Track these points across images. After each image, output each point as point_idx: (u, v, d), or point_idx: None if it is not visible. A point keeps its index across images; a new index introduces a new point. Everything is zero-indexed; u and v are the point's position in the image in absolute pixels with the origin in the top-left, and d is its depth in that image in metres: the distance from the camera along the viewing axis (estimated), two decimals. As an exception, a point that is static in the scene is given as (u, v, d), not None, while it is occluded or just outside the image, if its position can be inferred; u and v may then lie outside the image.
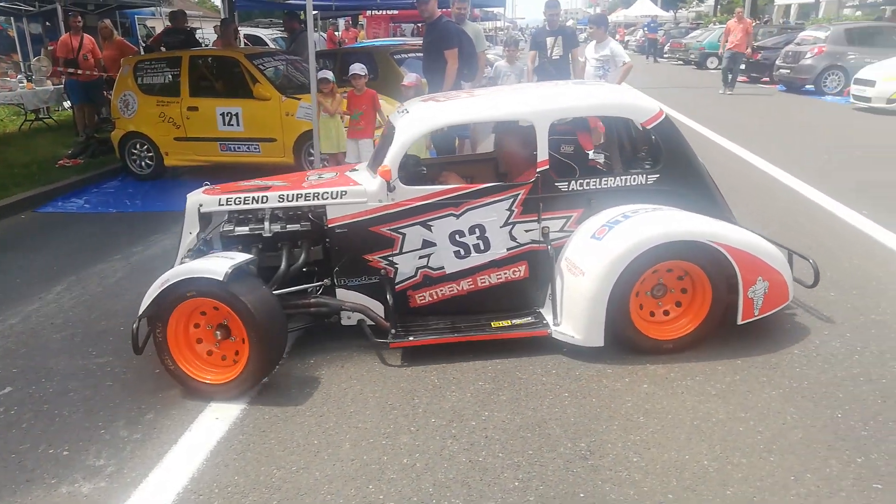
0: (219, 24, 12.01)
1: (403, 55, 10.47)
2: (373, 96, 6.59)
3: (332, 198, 3.58)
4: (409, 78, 6.61)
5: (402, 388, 3.26)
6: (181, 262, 3.59)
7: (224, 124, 7.63)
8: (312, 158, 6.57)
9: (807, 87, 15.04)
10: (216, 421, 3.03)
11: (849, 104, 12.43)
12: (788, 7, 38.40)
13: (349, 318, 3.67)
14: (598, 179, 3.61)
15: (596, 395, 3.12)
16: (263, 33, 20.63)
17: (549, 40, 7.67)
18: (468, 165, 4.65)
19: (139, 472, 2.71)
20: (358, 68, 6.42)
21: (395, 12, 19.16)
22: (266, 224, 3.61)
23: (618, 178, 3.63)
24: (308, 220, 3.66)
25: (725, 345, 3.46)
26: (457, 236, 3.59)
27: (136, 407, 3.18)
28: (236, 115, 7.59)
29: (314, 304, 3.58)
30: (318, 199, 3.60)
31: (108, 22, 10.82)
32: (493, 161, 4.63)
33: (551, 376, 3.31)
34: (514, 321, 3.59)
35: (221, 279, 3.03)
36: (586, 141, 4.13)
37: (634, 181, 3.63)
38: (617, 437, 2.80)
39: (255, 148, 7.67)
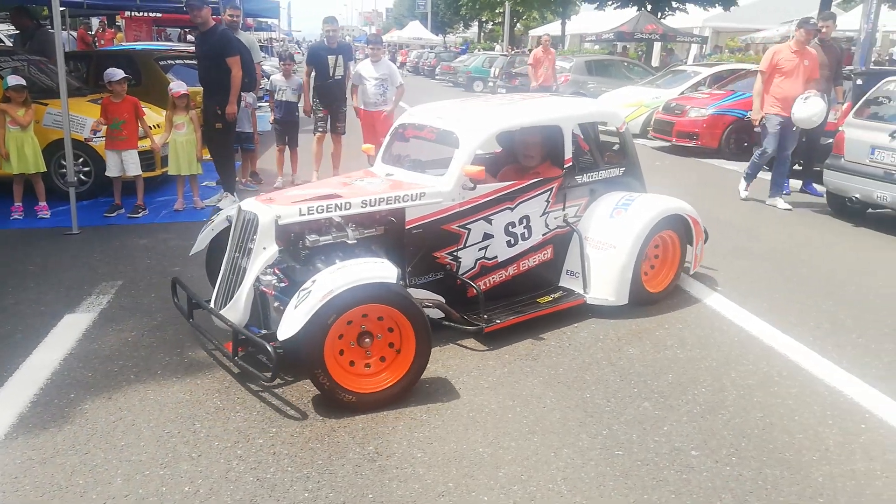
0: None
1: (171, 61, 9.84)
2: (135, 104, 6.14)
3: (412, 199, 3.67)
4: (179, 87, 6.27)
5: (181, 414, 3.09)
6: (258, 282, 3.30)
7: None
8: (64, 171, 5.90)
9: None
10: (-50, 475, 2.61)
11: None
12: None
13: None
14: (597, 173, 4.40)
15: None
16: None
17: (331, 59, 7.36)
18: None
19: None
20: (116, 73, 5.92)
21: (159, 15, 17.84)
22: (349, 231, 3.49)
23: (604, 171, 4.46)
24: (384, 224, 3.67)
25: (493, 341, 3.81)
26: (510, 227, 4.04)
27: None
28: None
29: None
30: (398, 201, 3.64)
31: None
32: (502, 160, 4.82)
33: (338, 386, 3.36)
34: (552, 296, 4.18)
35: (395, 282, 3.04)
36: (583, 142, 4.58)
37: (612, 174, 4.51)
38: (402, 437, 2.95)
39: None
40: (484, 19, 45.89)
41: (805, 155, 8.01)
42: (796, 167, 8.13)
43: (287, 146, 7.72)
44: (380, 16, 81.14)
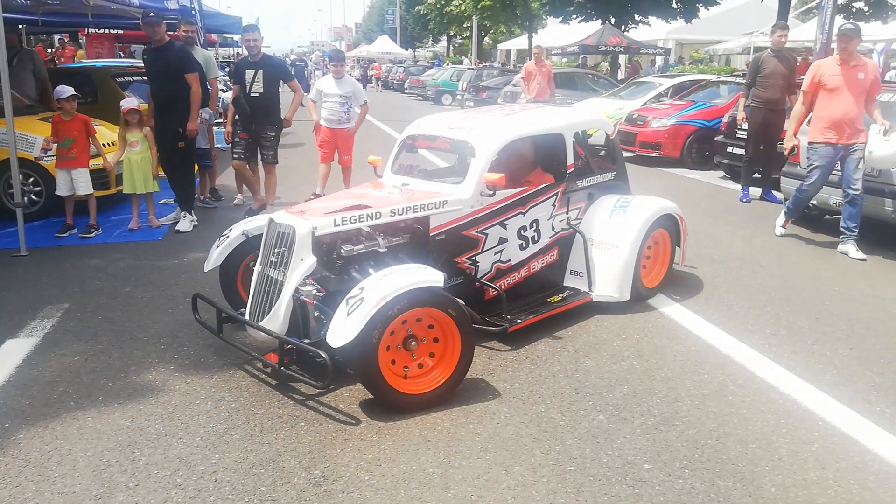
0: None
1: (128, 78, 9.67)
2: (85, 122, 6.00)
3: (437, 207, 3.78)
4: (130, 102, 6.16)
5: (120, 441, 2.96)
6: (297, 292, 3.32)
7: None
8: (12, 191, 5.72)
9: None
10: None
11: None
12: (509, 52, 43.31)
13: None
14: (594, 178, 4.64)
15: (332, 421, 3.16)
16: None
17: (249, 73, 6.56)
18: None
19: None
20: (65, 90, 5.78)
21: (121, 32, 17.60)
22: (379, 240, 3.55)
23: (600, 176, 4.70)
24: (409, 232, 3.76)
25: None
26: (522, 231, 4.21)
27: None
28: None
29: None
30: (424, 210, 3.74)
31: None
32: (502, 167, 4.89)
33: (288, 408, 3.27)
34: (561, 295, 4.36)
35: (442, 286, 3.15)
36: (579, 149, 4.72)
37: (606, 178, 4.77)
38: (351, 459, 2.86)
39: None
40: (452, 33, 46.19)
41: (763, 163, 8.13)
42: (756, 175, 8.25)
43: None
44: (349, 31, 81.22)
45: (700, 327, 4.27)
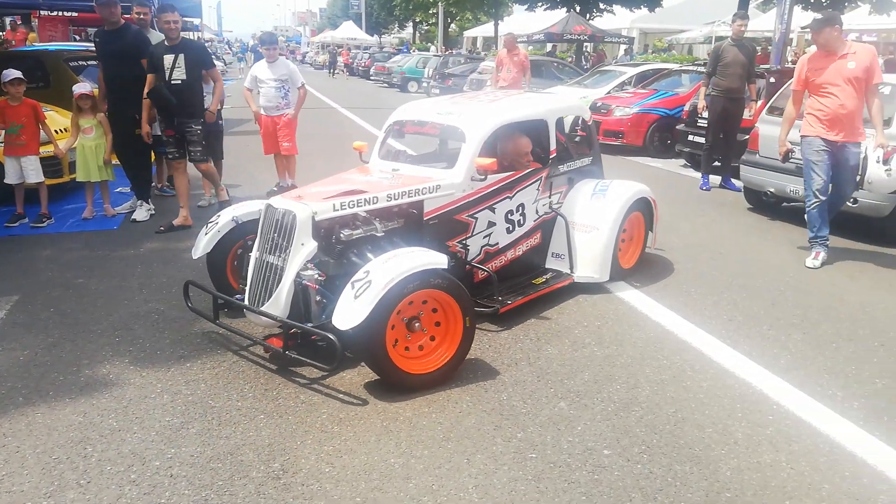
0: None
1: (83, 62, 9.35)
2: (34, 107, 5.80)
3: (430, 192, 3.83)
4: (82, 87, 5.96)
5: (71, 438, 2.88)
6: (299, 277, 3.34)
7: None
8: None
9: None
10: None
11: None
12: (475, 39, 43.19)
13: None
14: (573, 163, 4.78)
15: (293, 413, 3.12)
16: None
17: (168, 59, 5.73)
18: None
19: None
20: (10, 73, 5.56)
21: (75, 14, 17.02)
22: (377, 224, 3.61)
23: (578, 161, 4.85)
24: (404, 217, 3.82)
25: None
26: (509, 215, 4.30)
27: None
28: None
29: None
30: (418, 194, 3.78)
31: None
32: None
33: (247, 400, 3.22)
34: (544, 277, 4.51)
35: (446, 268, 3.22)
36: (559, 135, 4.80)
37: (584, 163, 4.92)
38: (311, 451, 2.83)
39: None
40: (418, 20, 45.85)
41: (723, 151, 8.27)
42: (716, 163, 8.39)
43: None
44: (314, 16, 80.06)
45: (659, 314, 4.33)
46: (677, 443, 2.93)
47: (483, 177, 3.99)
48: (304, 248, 3.36)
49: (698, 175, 8.61)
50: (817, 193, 5.28)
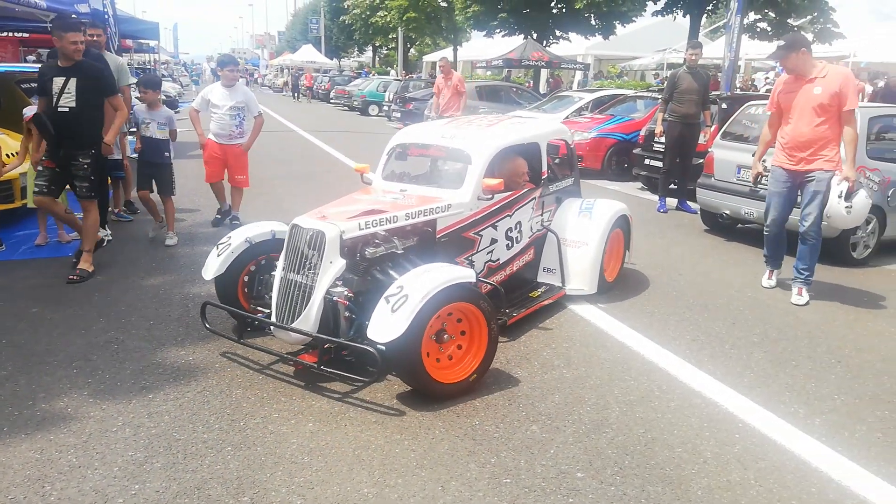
0: None
1: (34, 84, 9.09)
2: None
3: (442, 211, 4.04)
4: (33, 110, 5.80)
5: (28, 476, 2.75)
6: (329, 294, 3.49)
7: None
8: None
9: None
10: None
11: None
12: (435, 63, 43.61)
13: None
14: (560, 183, 5.11)
15: (261, 444, 3.04)
16: None
17: (58, 81, 4.97)
18: None
19: None
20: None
21: (26, 35, 16.62)
22: (396, 242, 3.80)
23: (564, 182, 5.17)
24: (418, 235, 3.99)
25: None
26: (509, 232, 4.54)
27: None
28: None
29: None
30: (432, 213, 3.98)
31: None
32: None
33: (213, 432, 3.13)
34: (539, 291, 4.76)
35: (474, 282, 3.44)
36: (549, 158, 5.08)
37: (568, 183, 5.25)
38: (281, 483, 2.76)
39: None
40: (378, 44, 46.13)
41: (679, 175, 8.50)
42: (672, 186, 8.61)
43: (157, 193, 6.33)
44: (272, 38, 79.79)
45: (625, 335, 4.39)
46: (648, 463, 2.96)
47: (489, 196, 4.22)
48: (332, 265, 3.51)
49: (655, 197, 8.83)
50: (770, 225, 5.28)
